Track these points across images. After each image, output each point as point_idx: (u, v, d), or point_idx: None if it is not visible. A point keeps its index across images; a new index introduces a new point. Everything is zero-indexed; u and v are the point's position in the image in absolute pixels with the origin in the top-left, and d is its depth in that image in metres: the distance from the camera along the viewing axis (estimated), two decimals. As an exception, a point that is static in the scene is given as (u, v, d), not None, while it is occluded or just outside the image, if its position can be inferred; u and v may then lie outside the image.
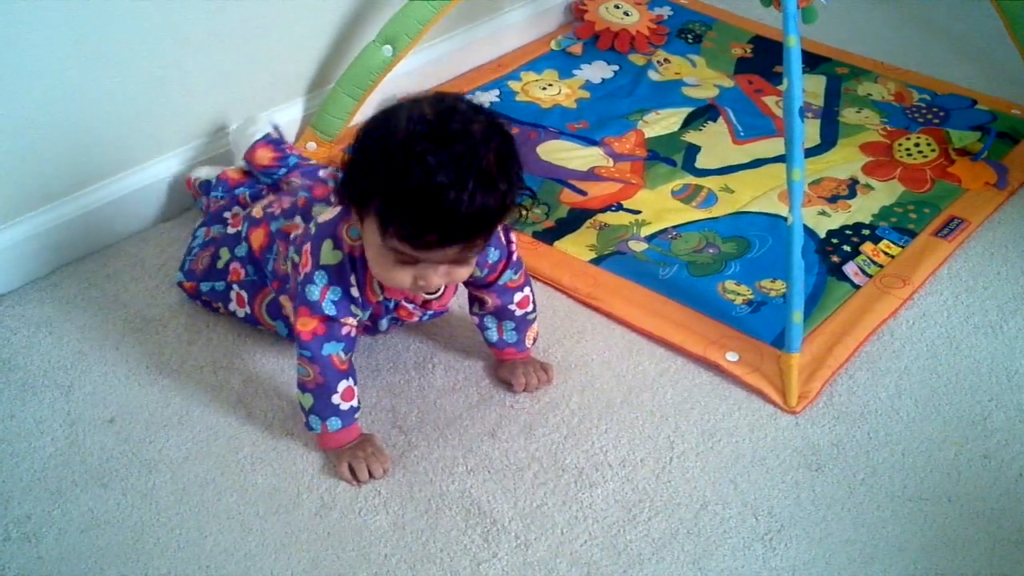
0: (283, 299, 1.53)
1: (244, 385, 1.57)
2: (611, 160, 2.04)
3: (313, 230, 1.41)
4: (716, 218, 1.89)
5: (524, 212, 1.33)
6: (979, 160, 2.01)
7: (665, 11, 2.53)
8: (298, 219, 1.50)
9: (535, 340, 1.59)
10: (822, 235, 1.84)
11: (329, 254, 1.38)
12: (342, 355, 1.41)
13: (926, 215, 1.89)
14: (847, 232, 1.85)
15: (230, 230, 1.62)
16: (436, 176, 1.19)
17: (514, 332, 1.56)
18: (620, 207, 1.92)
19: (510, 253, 1.48)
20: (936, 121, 2.15)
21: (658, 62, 2.36)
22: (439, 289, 1.46)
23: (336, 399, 1.41)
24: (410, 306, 1.47)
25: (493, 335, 1.56)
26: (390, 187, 1.22)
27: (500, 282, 1.50)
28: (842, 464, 1.47)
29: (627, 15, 2.44)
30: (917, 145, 2.07)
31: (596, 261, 1.79)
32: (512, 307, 1.53)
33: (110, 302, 1.70)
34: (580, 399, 1.56)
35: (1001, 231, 1.87)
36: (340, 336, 1.40)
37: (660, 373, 1.60)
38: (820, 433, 1.51)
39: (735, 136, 2.12)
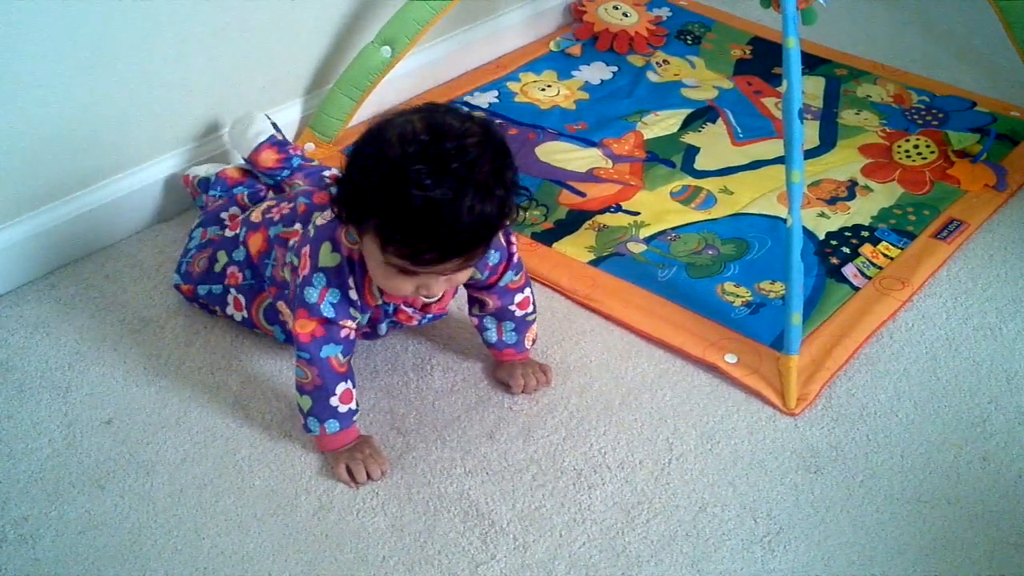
0: (280, 304, 1.53)
1: (242, 387, 1.56)
2: (610, 161, 2.04)
3: (312, 233, 1.40)
4: (715, 220, 1.89)
5: (522, 213, 1.33)
6: (978, 162, 2.01)
7: (664, 12, 2.53)
8: (297, 226, 1.50)
9: (534, 341, 1.59)
10: (821, 237, 1.84)
11: (328, 256, 1.37)
12: (340, 357, 1.41)
13: (925, 217, 1.89)
14: (846, 234, 1.85)
15: (228, 233, 1.62)
16: (433, 198, 1.19)
17: (514, 333, 1.56)
18: (619, 208, 1.91)
19: (511, 255, 1.48)
20: (935, 123, 2.15)
21: (657, 63, 2.36)
22: (440, 293, 1.46)
23: (334, 401, 1.41)
24: (409, 310, 1.47)
25: (492, 336, 1.56)
26: (387, 209, 1.22)
27: (501, 283, 1.50)
28: (841, 466, 1.46)
29: (626, 16, 2.44)
30: (916, 147, 2.07)
31: (595, 263, 1.79)
32: (512, 308, 1.53)
33: (108, 303, 1.70)
34: (579, 401, 1.56)
35: (1000, 233, 1.87)
36: (339, 338, 1.40)
37: (659, 375, 1.60)
38: (819, 435, 1.51)
39: (734, 137, 2.12)
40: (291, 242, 1.48)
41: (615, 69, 2.34)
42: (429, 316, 1.51)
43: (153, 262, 1.78)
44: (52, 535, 1.36)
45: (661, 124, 2.14)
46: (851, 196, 1.94)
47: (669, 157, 2.05)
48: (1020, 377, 1.60)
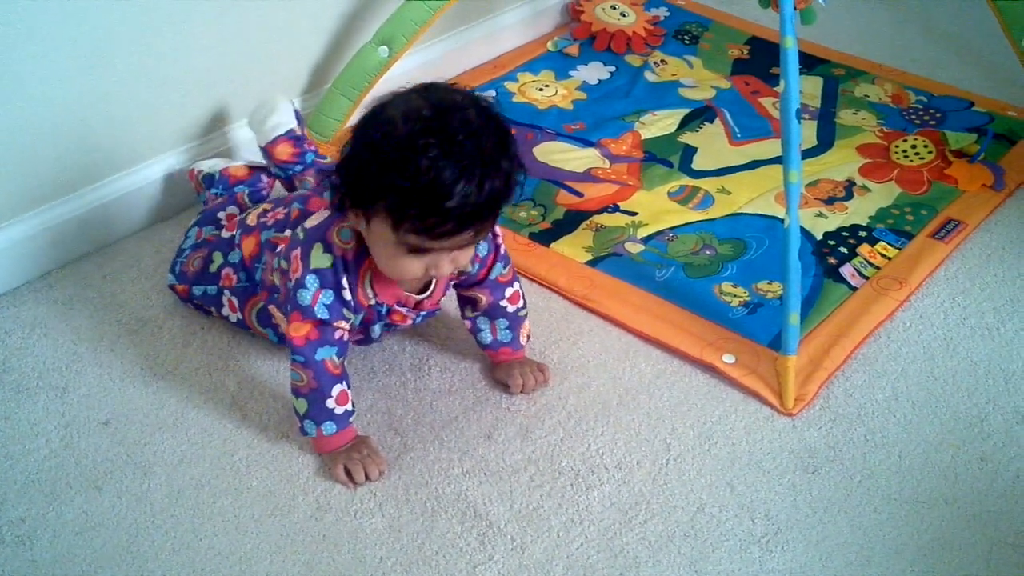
0: (272, 308, 1.53)
1: (239, 387, 1.56)
2: (608, 161, 2.04)
3: (302, 236, 1.40)
4: (713, 220, 1.89)
5: (520, 188, 1.33)
6: (976, 162, 2.01)
7: (662, 12, 2.53)
8: (288, 232, 1.50)
9: (529, 337, 1.59)
10: (819, 237, 1.84)
11: (320, 258, 1.37)
12: (335, 359, 1.41)
13: (923, 217, 1.89)
14: (844, 234, 1.85)
15: (224, 233, 1.62)
16: (445, 170, 1.21)
17: (508, 331, 1.55)
18: (617, 208, 1.91)
19: (497, 246, 1.49)
20: (933, 123, 2.15)
21: (655, 63, 2.36)
22: (431, 286, 1.47)
23: (330, 403, 1.41)
24: (403, 309, 1.47)
25: (487, 336, 1.56)
26: (400, 186, 1.23)
27: (491, 277, 1.50)
28: (839, 466, 1.46)
29: (624, 16, 2.44)
30: (914, 147, 2.07)
31: (592, 263, 1.79)
32: (504, 303, 1.53)
33: (106, 303, 1.70)
34: (576, 401, 1.56)
35: (998, 233, 1.87)
36: (333, 340, 1.40)
37: (656, 375, 1.60)
38: (817, 435, 1.51)
39: (732, 137, 2.12)
40: (279, 247, 1.48)
41: (613, 69, 2.34)
42: (423, 314, 1.51)
43: (151, 262, 1.78)
44: (49, 536, 1.36)
45: (659, 124, 2.14)
46: (849, 196, 1.94)
47: (667, 157, 2.05)
48: (1018, 377, 1.60)
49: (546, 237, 1.85)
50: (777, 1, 1.57)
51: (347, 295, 1.39)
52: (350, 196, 1.31)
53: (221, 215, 1.69)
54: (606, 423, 1.52)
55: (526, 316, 1.58)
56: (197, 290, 1.62)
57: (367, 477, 1.42)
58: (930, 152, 2.05)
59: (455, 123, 1.23)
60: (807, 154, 2.03)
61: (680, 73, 2.33)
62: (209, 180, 1.78)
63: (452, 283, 1.52)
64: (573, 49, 2.39)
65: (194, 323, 1.66)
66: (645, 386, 1.58)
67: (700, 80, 2.30)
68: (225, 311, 1.60)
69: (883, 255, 1.80)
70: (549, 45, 2.41)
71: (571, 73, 2.32)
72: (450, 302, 1.58)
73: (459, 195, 1.22)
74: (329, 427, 1.42)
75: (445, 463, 1.46)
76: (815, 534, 1.38)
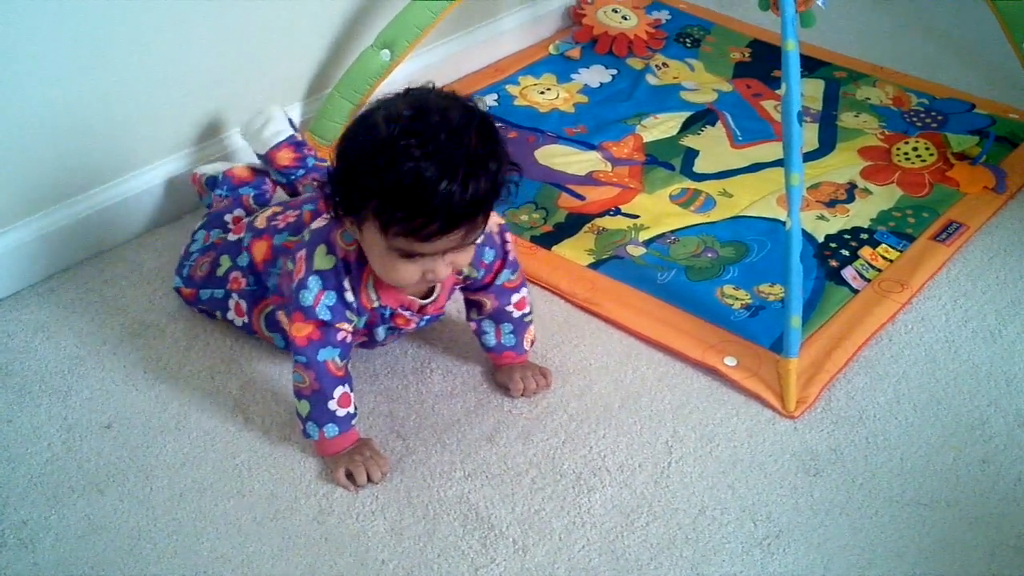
0: (281, 314, 1.53)
1: (241, 390, 1.56)
2: (609, 164, 2.04)
3: (307, 237, 1.41)
4: (714, 222, 1.89)
5: (514, 187, 1.33)
6: (978, 164, 2.01)
7: (663, 15, 2.53)
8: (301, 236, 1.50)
9: (533, 343, 1.59)
10: (820, 239, 1.84)
11: (323, 259, 1.38)
12: (338, 361, 1.41)
13: (924, 219, 1.89)
14: (845, 236, 1.85)
15: (231, 236, 1.62)
16: (427, 168, 1.21)
17: (512, 335, 1.56)
18: (618, 212, 1.91)
19: (506, 253, 1.49)
20: (934, 125, 2.15)
21: (656, 66, 2.36)
22: (435, 291, 1.47)
23: (332, 405, 1.41)
24: (407, 313, 1.47)
25: (491, 340, 1.56)
26: (383, 189, 1.23)
27: (497, 282, 1.50)
28: (840, 469, 1.46)
29: (625, 19, 2.44)
30: (915, 149, 2.07)
31: (594, 266, 1.79)
32: (510, 308, 1.53)
33: (107, 307, 1.70)
34: (578, 404, 1.56)
35: (999, 235, 1.87)
36: (336, 342, 1.40)
37: (658, 378, 1.60)
38: (818, 438, 1.51)
39: (733, 140, 2.12)
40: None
41: (614, 72, 2.34)
42: (427, 318, 1.51)
43: (153, 266, 1.78)
44: (52, 539, 1.36)
45: (660, 127, 2.15)
46: (850, 199, 1.94)
47: (668, 160, 2.05)
48: (1020, 380, 1.60)
49: (548, 240, 1.85)
50: (778, 4, 1.57)
51: (349, 297, 1.39)
52: (341, 204, 1.31)
53: (228, 218, 1.69)
54: (608, 426, 1.52)
55: (532, 322, 1.58)
56: (204, 293, 1.62)
57: (369, 479, 1.42)
58: (932, 155, 2.05)
59: (435, 122, 1.23)
60: (808, 157, 2.03)
61: (682, 76, 2.33)
62: (213, 182, 1.79)
63: (458, 287, 1.52)
64: (575, 52, 2.39)
65: (196, 326, 1.66)
66: (647, 389, 1.58)
67: (702, 83, 2.30)
68: (231, 315, 1.60)
69: (884, 257, 1.80)
70: (551, 48, 2.41)
71: (573, 76, 2.32)
72: (453, 305, 1.58)
73: (443, 194, 1.22)
74: (331, 429, 1.42)
75: (447, 466, 1.46)
76: (817, 536, 1.38)
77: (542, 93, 2.26)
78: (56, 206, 1.74)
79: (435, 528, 1.38)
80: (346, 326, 1.40)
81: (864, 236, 1.85)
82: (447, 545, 1.36)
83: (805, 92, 2.19)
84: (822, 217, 1.90)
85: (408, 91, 1.30)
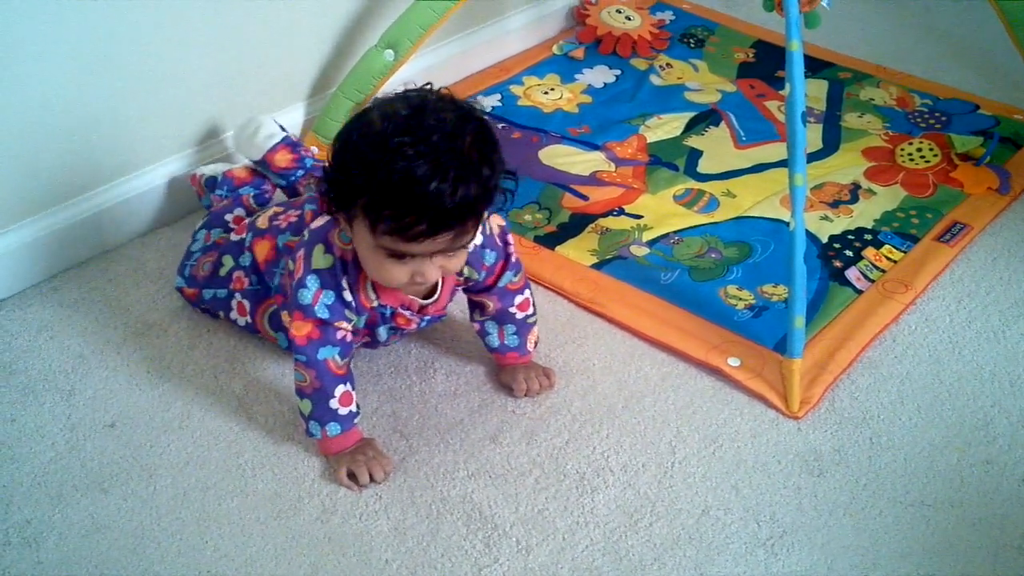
0: (284, 313, 1.53)
1: (245, 390, 1.56)
2: (613, 165, 2.04)
3: (306, 236, 1.41)
4: (718, 223, 1.89)
5: (509, 195, 1.33)
6: (981, 165, 2.01)
7: (667, 16, 2.53)
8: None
9: (536, 344, 1.59)
10: (824, 240, 1.84)
11: (321, 258, 1.38)
12: (338, 359, 1.41)
13: (928, 220, 1.89)
14: (849, 237, 1.85)
15: (233, 236, 1.62)
16: (417, 167, 1.21)
17: (515, 336, 1.56)
18: (622, 212, 1.91)
19: (508, 255, 1.49)
20: (938, 126, 2.15)
21: (660, 67, 2.36)
22: (436, 291, 1.46)
23: (334, 404, 1.41)
24: (407, 313, 1.47)
25: (495, 340, 1.56)
26: (373, 185, 1.24)
27: (500, 284, 1.50)
28: (844, 469, 1.46)
29: (629, 20, 2.44)
30: (919, 150, 2.07)
31: (598, 266, 1.79)
32: (513, 310, 1.53)
33: (111, 306, 1.70)
34: (581, 404, 1.56)
35: (1003, 236, 1.87)
36: (335, 340, 1.40)
37: (662, 378, 1.60)
38: (822, 438, 1.51)
39: (737, 141, 2.12)
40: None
41: (618, 72, 2.34)
42: (427, 318, 1.51)
43: (156, 265, 1.78)
44: (55, 538, 1.36)
45: (664, 127, 2.15)
46: (854, 199, 1.94)
47: (672, 160, 2.05)
48: (1023, 380, 1.59)
49: (551, 240, 1.85)
50: (782, 5, 1.57)
51: (348, 296, 1.39)
52: (334, 200, 1.31)
53: (229, 217, 1.69)
54: (611, 426, 1.52)
55: (535, 324, 1.58)
56: (207, 293, 1.62)
57: (372, 479, 1.42)
58: (935, 155, 2.05)
59: (430, 123, 1.24)
60: (812, 157, 2.03)
61: (685, 77, 2.33)
62: (212, 183, 1.79)
63: (460, 288, 1.52)
64: (578, 53, 2.39)
65: (200, 326, 1.66)
66: (650, 389, 1.58)
67: (705, 84, 2.30)
68: (233, 315, 1.60)
69: (888, 258, 1.80)
70: (554, 49, 2.41)
71: (576, 76, 2.32)
72: (455, 306, 1.58)
73: (432, 194, 1.22)
74: (334, 428, 1.42)
75: (450, 466, 1.46)
76: (820, 537, 1.38)
77: (546, 93, 2.26)
78: (59, 206, 1.74)
79: (438, 528, 1.38)
80: (345, 325, 1.40)
81: (868, 237, 1.85)
82: (450, 545, 1.36)
83: (809, 93, 2.19)
84: (826, 218, 1.89)
85: (407, 91, 1.30)
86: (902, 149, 2.07)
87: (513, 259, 1.50)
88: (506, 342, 1.56)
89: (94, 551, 1.34)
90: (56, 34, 1.61)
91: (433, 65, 2.19)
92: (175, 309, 1.69)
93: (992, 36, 2.30)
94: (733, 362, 1.60)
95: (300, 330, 1.39)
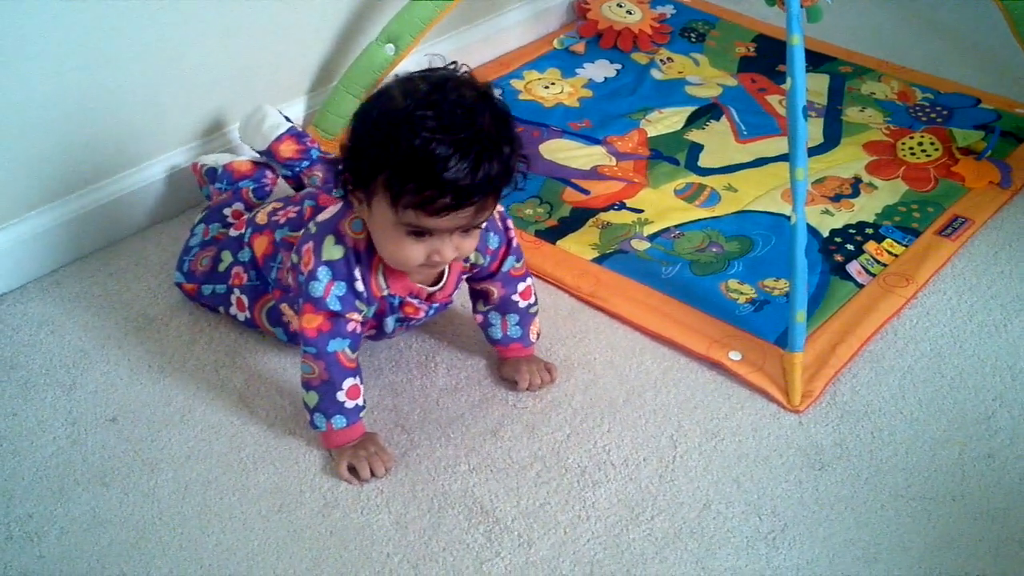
0: (284, 307, 1.53)
1: (246, 384, 1.57)
2: (614, 159, 2.04)
3: (313, 230, 1.41)
4: (719, 217, 1.89)
5: (523, 176, 1.34)
6: (983, 159, 2.01)
7: (668, 10, 2.53)
8: (303, 230, 1.50)
9: (539, 335, 1.59)
10: (825, 234, 1.84)
11: (332, 249, 1.38)
12: (348, 352, 1.41)
13: (930, 214, 1.89)
14: (850, 231, 1.85)
15: (232, 232, 1.62)
16: (441, 141, 1.22)
17: (518, 327, 1.56)
18: (623, 206, 1.91)
19: (509, 239, 1.49)
20: (939, 120, 2.14)
21: (661, 61, 2.35)
22: (443, 278, 1.46)
23: (341, 396, 1.41)
24: (415, 301, 1.47)
25: (497, 332, 1.56)
26: (397, 158, 1.24)
27: (503, 270, 1.51)
28: (846, 463, 1.46)
29: (630, 14, 2.44)
30: (920, 144, 2.07)
31: (599, 260, 1.79)
32: (516, 298, 1.53)
33: (112, 301, 1.70)
34: (583, 398, 1.56)
35: (1005, 230, 1.87)
36: (346, 332, 1.40)
37: (663, 372, 1.60)
38: (823, 432, 1.51)
39: (738, 135, 2.12)
40: (296, 246, 1.48)
41: (619, 67, 2.34)
42: (435, 306, 1.51)
43: (157, 260, 1.78)
44: (57, 532, 1.36)
45: (665, 122, 2.14)
46: (855, 193, 1.94)
47: (673, 154, 2.05)
48: (1025, 374, 1.60)
49: (552, 234, 1.85)
50: (783, -1, 1.57)
51: (359, 286, 1.39)
52: (352, 175, 1.31)
53: (227, 212, 1.69)
54: (612, 420, 1.52)
55: (537, 313, 1.58)
56: (206, 289, 1.62)
57: (373, 474, 1.42)
58: (937, 149, 2.05)
59: (453, 99, 1.25)
60: (813, 151, 2.03)
61: (686, 71, 2.33)
62: (212, 174, 1.79)
63: (464, 275, 1.52)
64: (579, 47, 2.39)
65: (201, 320, 1.66)
66: (651, 383, 1.58)
67: (706, 78, 2.30)
68: (233, 310, 1.60)
69: (890, 252, 1.80)
70: (555, 43, 2.41)
71: (577, 71, 2.32)
72: (457, 300, 1.58)
73: (454, 168, 1.23)
74: (339, 421, 1.42)
75: (452, 460, 1.46)
76: (822, 531, 1.38)
77: (547, 88, 2.26)
78: (60, 200, 1.74)
79: (440, 521, 1.38)
80: (356, 316, 1.40)
81: (869, 231, 1.85)
82: (452, 538, 1.36)
83: (810, 87, 2.18)
84: (827, 212, 1.89)
85: (428, 69, 1.31)
86: (903, 143, 2.07)
87: (514, 243, 1.50)
88: (509, 333, 1.56)
89: (96, 545, 1.35)
90: (60, 29, 1.61)
91: (434, 59, 2.18)
92: (176, 303, 1.69)
93: (993, 30, 2.30)
94: (734, 356, 1.60)
95: (311, 322, 1.39)
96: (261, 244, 1.55)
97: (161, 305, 1.69)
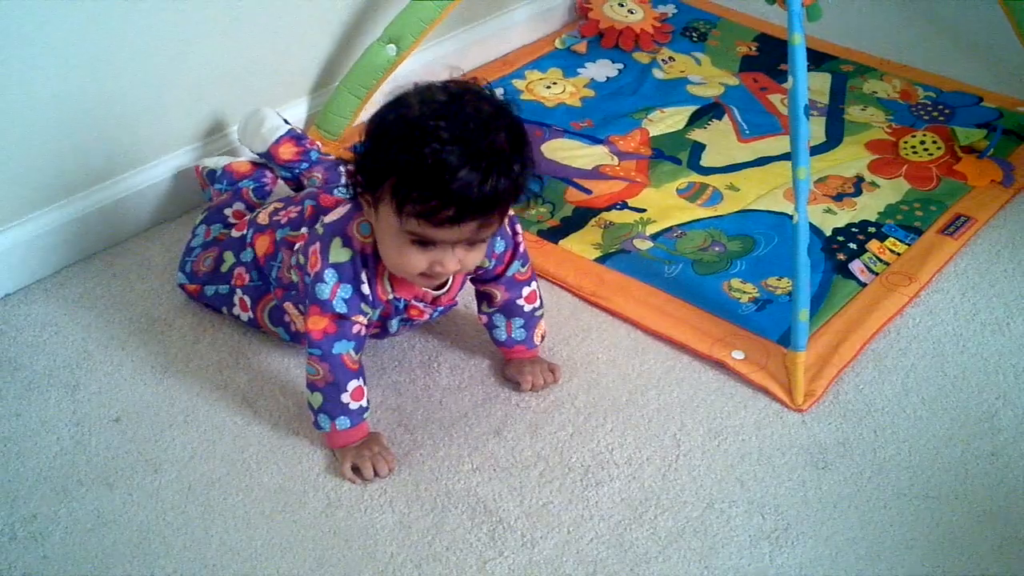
0: (287, 305, 1.53)
1: (250, 384, 1.57)
2: (616, 158, 2.04)
3: (320, 231, 1.41)
4: (721, 216, 1.89)
5: (534, 198, 1.35)
6: (985, 157, 2.01)
7: (669, 9, 2.53)
8: (304, 229, 1.50)
9: (543, 337, 1.59)
10: (828, 233, 1.84)
11: (339, 252, 1.38)
12: (353, 354, 1.41)
13: (932, 213, 1.89)
14: (853, 230, 1.85)
15: (234, 233, 1.62)
16: (451, 152, 1.22)
17: (523, 330, 1.56)
18: (625, 205, 1.91)
19: (516, 244, 1.49)
20: (942, 118, 2.14)
21: (663, 60, 2.36)
22: (448, 283, 1.46)
23: (346, 398, 1.41)
24: (420, 304, 1.47)
25: (502, 334, 1.56)
26: (405, 164, 1.24)
27: (508, 274, 1.50)
28: (849, 462, 1.46)
29: (631, 13, 2.44)
30: (923, 143, 2.06)
31: (601, 259, 1.79)
32: (520, 302, 1.53)
33: (116, 301, 1.70)
34: (586, 397, 1.56)
35: (1007, 228, 1.87)
36: (351, 335, 1.40)
37: (666, 371, 1.60)
38: (826, 431, 1.51)
39: (740, 134, 2.12)
40: (297, 245, 1.49)
41: (621, 66, 2.34)
42: (440, 308, 1.51)
43: (160, 260, 1.78)
44: (61, 533, 1.36)
45: (667, 121, 2.14)
46: (857, 192, 1.94)
47: (675, 154, 2.05)
48: (1028, 372, 1.60)
49: (555, 234, 1.85)
50: (784, -3, 1.57)
51: (365, 289, 1.39)
52: (362, 178, 1.31)
53: (228, 212, 1.69)
54: (615, 419, 1.52)
55: (542, 317, 1.58)
56: (209, 290, 1.62)
57: (377, 474, 1.43)
58: (939, 148, 2.05)
59: (468, 111, 1.25)
60: (816, 150, 2.03)
61: (688, 70, 2.33)
62: (212, 176, 1.79)
63: (469, 277, 1.52)
64: (581, 47, 2.39)
65: (204, 320, 1.66)
66: (654, 382, 1.58)
67: (708, 77, 2.30)
68: (236, 310, 1.60)
69: (892, 251, 1.80)
70: (557, 43, 2.41)
71: (579, 70, 2.32)
72: (462, 299, 1.58)
73: (462, 180, 1.22)
74: (343, 422, 1.43)
75: (455, 459, 1.46)
76: (825, 530, 1.38)
77: (548, 87, 2.26)
78: (64, 201, 1.74)
79: (443, 521, 1.38)
80: (361, 319, 1.41)
81: (871, 230, 1.85)
82: (455, 538, 1.36)
83: (812, 86, 2.18)
84: (829, 211, 1.89)
85: (450, 80, 1.31)
86: (905, 142, 2.07)
87: (521, 248, 1.50)
88: (513, 335, 1.56)
89: (99, 545, 1.35)
90: (63, 30, 1.61)
91: (435, 60, 2.19)
92: (179, 304, 1.69)
93: (995, 28, 2.29)
94: (737, 355, 1.60)
95: (316, 324, 1.39)
96: (262, 244, 1.56)
97: (164, 306, 1.69)
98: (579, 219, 1.88)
